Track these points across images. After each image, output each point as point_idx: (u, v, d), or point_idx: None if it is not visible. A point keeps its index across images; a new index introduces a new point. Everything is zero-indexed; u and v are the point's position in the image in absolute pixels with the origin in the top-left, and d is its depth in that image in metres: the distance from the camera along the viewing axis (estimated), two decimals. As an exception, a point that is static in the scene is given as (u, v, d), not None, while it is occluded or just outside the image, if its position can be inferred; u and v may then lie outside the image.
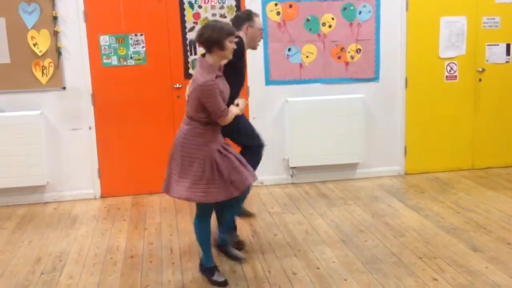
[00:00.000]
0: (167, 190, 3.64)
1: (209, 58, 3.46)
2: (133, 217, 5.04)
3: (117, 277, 3.80)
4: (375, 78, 5.92)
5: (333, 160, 5.86)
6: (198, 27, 5.52)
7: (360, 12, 5.77)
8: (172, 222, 4.88)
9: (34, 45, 5.31)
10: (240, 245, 4.18)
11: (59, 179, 5.54)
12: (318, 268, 3.81)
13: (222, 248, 4.06)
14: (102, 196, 5.65)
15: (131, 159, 5.63)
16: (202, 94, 3.37)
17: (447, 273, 3.68)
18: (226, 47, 3.43)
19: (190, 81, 3.54)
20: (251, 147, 4.09)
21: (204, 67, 3.43)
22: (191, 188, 3.47)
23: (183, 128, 3.54)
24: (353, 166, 5.97)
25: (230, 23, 3.88)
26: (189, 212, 5.12)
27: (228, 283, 3.65)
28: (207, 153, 3.46)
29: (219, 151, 3.51)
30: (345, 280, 3.63)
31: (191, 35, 5.56)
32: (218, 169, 3.47)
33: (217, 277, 3.67)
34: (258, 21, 4.03)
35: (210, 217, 3.71)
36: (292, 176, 5.90)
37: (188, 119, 3.53)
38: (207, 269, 3.71)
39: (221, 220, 4.05)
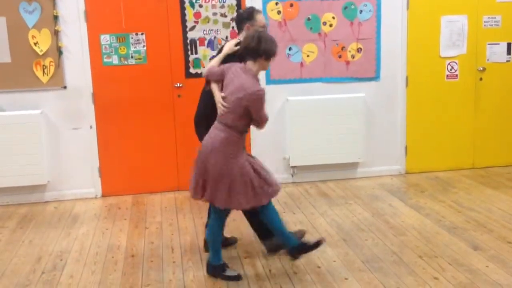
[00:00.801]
0: (200, 195, 3.62)
1: (252, 66, 3.52)
2: (134, 216, 5.04)
3: (118, 276, 3.80)
4: (375, 77, 5.92)
5: (333, 159, 5.86)
6: (199, 26, 5.53)
7: (361, 11, 5.77)
8: (173, 221, 4.89)
9: (35, 44, 5.32)
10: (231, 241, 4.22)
11: (60, 178, 5.55)
12: (319, 267, 3.81)
13: (294, 253, 3.88)
14: (103, 195, 5.65)
15: (131, 158, 5.63)
16: (254, 102, 3.42)
17: (448, 272, 3.68)
18: (270, 61, 3.55)
19: (230, 88, 3.50)
20: None
21: (249, 74, 3.50)
22: (228, 195, 3.50)
23: (219, 135, 3.51)
24: (353, 165, 5.97)
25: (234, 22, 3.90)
26: (189, 211, 5.13)
27: (242, 277, 3.67)
28: (241, 161, 3.51)
29: (247, 159, 3.57)
30: (346, 279, 3.63)
31: (192, 34, 5.56)
32: (250, 177, 3.52)
33: (230, 272, 3.69)
34: (260, 18, 3.92)
35: (227, 218, 3.77)
36: (292, 175, 5.90)
37: (224, 126, 3.51)
38: (217, 266, 3.70)
39: (263, 230, 3.96)
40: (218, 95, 3.59)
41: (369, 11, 5.78)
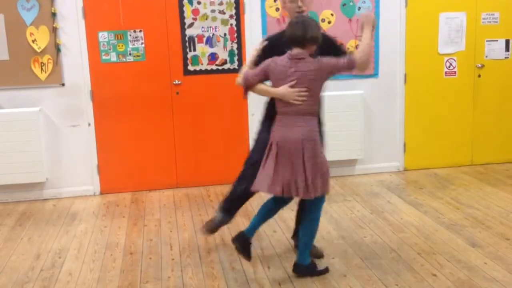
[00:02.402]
0: (296, 193, 3.46)
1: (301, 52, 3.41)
2: (133, 214, 5.04)
3: (117, 273, 3.80)
4: (374, 74, 5.92)
5: (332, 156, 5.80)
6: (197, 23, 5.52)
7: (359, 8, 5.77)
8: (172, 218, 4.89)
9: (33, 41, 5.31)
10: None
11: (59, 176, 5.55)
12: (317, 264, 3.82)
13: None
14: (102, 193, 5.65)
15: (130, 156, 5.63)
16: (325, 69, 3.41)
17: (446, 269, 3.68)
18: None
19: (295, 76, 3.37)
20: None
21: (305, 55, 3.39)
22: (323, 183, 3.48)
23: (304, 129, 3.40)
24: (352, 162, 5.97)
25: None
26: (188, 208, 5.13)
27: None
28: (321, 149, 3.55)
29: None
30: (344, 276, 3.64)
31: (190, 31, 5.55)
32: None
33: (319, 268, 3.69)
34: None
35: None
36: (291, 172, 5.90)
37: (304, 116, 3.42)
38: (309, 266, 3.65)
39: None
40: (281, 89, 3.42)
41: (367, 8, 5.77)
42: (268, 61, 3.50)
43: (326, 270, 3.68)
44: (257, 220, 3.70)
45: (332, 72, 3.43)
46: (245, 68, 3.63)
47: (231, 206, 4.09)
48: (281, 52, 3.46)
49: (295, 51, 3.39)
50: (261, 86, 3.54)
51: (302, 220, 3.72)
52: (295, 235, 4.08)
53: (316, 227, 3.64)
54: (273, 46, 3.59)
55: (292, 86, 3.39)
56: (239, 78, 3.57)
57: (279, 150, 3.43)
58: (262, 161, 3.55)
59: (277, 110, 3.52)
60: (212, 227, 4.14)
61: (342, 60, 3.41)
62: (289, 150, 3.40)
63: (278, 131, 3.47)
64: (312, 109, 3.46)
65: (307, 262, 3.64)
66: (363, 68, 3.49)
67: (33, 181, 5.43)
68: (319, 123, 3.63)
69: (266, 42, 3.69)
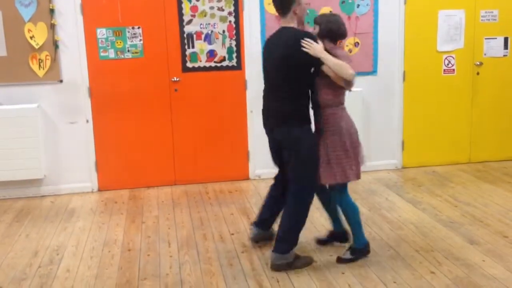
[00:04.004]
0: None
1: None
2: (131, 211, 5.04)
3: (115, 270, 3.80)
4: (373, 72, 5.92)
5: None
6: (196, 20, 5.51)
7: (358, 6, 5.76)
8: (170, 215, 4.88)
9: (31, 38, 5.29)
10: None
11: (56, 173, 5.54)
12: (315, 261, 3.82)
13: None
14: (100, 190, 5.64)
15: (128, 153, 5.63)
16: None
17: (444, 266, 3.69)
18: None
19: (348, 65, 3.53)
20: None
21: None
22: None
23: (349, 115, 3.69)
24: (350, 160, 5.96)
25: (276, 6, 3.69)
26: (186, 205, 5.12)
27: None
28: None
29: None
30: (343, 273, 3.64)
31: (189, 28, 5.54)
32: None
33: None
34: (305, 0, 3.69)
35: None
36: (289, 170, 5.89)
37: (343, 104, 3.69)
38: (360, 250, 3.81)
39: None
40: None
41: (366, 5, 5.77)
42: (341, 50, 3.75)
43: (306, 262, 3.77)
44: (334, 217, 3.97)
45: None
46: (340, 61, 3.50)
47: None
48: None
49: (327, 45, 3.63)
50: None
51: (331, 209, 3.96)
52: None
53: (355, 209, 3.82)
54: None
55: None
56: (351, 69, 3.50)
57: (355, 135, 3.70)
58: (347, 152, 3.63)
59: (341, 101, 3.67)
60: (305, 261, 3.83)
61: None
62: (355, 134, 3.70)
63: (349, 120, 3.68)
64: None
65: (361, 245, 3.82)
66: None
67: (31, 177, 5.42)
68: None
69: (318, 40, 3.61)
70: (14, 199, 5.43)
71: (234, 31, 5.62)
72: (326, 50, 3.53)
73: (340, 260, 3.78)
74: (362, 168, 3.82)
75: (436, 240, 4.13)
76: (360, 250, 3.80)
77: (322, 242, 4.09)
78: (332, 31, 3.63)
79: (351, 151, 3.62)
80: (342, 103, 3.68)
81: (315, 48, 3.47)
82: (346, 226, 3.91)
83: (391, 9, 5.83)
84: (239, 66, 5.67)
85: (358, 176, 3.69)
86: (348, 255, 3.79)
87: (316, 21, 3.68)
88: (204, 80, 5.65)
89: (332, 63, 3.46)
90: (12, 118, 5.26)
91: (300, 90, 3.61)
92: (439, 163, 6.17)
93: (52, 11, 5.28)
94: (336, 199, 3.79)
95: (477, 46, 6.05)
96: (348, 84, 3.57)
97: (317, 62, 3.49)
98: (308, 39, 3.48)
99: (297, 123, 3.60)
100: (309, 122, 3.63)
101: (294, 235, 3.73)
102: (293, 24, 3.64)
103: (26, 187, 5.49)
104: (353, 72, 3.50)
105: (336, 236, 4.07)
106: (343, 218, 3.89)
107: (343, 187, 3.72)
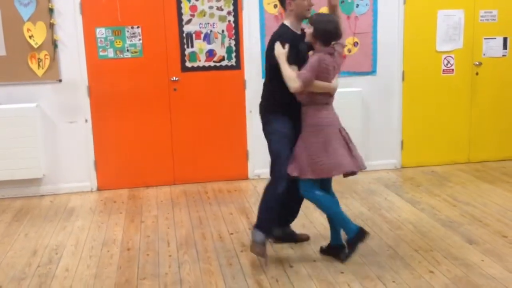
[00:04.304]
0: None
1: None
2: (130, 210, 5.03)
3: (114, 269, 3.80)
4: (372, 72, 5.92)
5: (329, 154, 5.84)
6: (195, 20, 5.51)
7: (357, 5, 5.76)
8: (169, 215, 4.88)
9: (30, 37, 5.29)
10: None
11: (56, 172, 5.53)
12: (314, 261, 3.82)
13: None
14: (99, 189, 5.64)
15: (127, 152, 5.62)
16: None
17: (443, 266, 3.69)
18: None
19: (336, 71, 3.73)
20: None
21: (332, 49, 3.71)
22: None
23: (333, 113, 3.77)
24: (349, 160, 5.96)
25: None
26: (185, 205, 5.12)
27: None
28: None
29: None
30: (342, 272, 3.64)
31: (188, 28, 5.54)
32: None
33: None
34: None
35: None
36: (288, 169, 5.89)
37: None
38: (355, 238, 3.75)
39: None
40: (334, 83, 3.71)
41: (365, 5, 5.77)
42: (316, 59, 3.58)
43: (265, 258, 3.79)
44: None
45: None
46: (289, 71, 3.55)
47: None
48: (296, 49, 3.61)
49: (338, 47, 3.69)
50: (318, 83, 3.60)
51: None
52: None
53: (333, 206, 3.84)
54: (292, 45, 3.61)
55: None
56: (295, 82, 3.51)
57: (342, 132, 3.77)
58: (328, 147, 3.66)
59: (316, 101, 3.66)
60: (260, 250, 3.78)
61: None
62: (342, 128, 3.80)
63: (335, 118, 3.77)
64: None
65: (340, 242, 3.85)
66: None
67: (30, 177, 5.42)
68: None
69: (288, 44, 3.61)
70: (13, 199, 5.42)
71: (233, 31, 5.62)
72: (312, 50, 3.68)
73: (343, 260, 3.77)
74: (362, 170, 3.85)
75: (435, 239, 4.14)
76: (355, 239, 3.73)
77: (323, 251, 3.98)
78: (328, 32, 3.61)
79: (323, 148, 3.62)
80: (321, 103, 3.67)
81: (276, 52, 3.59)
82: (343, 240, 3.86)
83: (390, 9, 5.83)
84: (238, 65, 5.67)
85: (327, 174, 3.68)
86: (346, 251, 3.78)
87: (310, 21, 3.65)
88: (203, 79, 5.65)
89: (282, 70, 3.57)
90: (11, 117, 5.26)
91: (274, 85, 3.74)
92: (438, 163, 6.17)
93: (51, 10, 5.28)
94: (304, 194, 3.76)
95: (476, 46, 6.06)
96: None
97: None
98: (277, 43, 3.59)
99: (263, 114, 3.86)
100: (275, 113, 3.76)
101: (265, 224, 3.76)
102: (288, 20, 3.71)
103: (25, 187, 5.49)
104: (297, 86, 3.50)
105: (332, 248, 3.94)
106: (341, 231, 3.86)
107: (310, 181, 3.69)
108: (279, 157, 3.71)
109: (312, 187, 3.71)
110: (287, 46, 3.58)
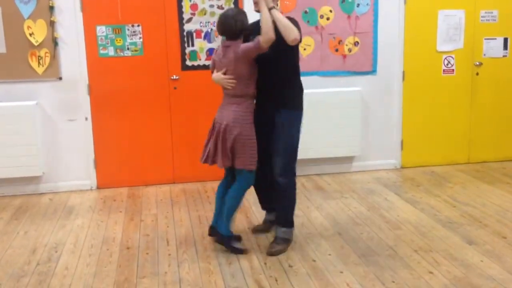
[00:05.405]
0: (212, 162, 4.01)
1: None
2: (129, 209, 5.03)
3: (113, 268, 3.80)
4: (372, 71, 5.92)
5: (329, 153, 5.85)
6: (196, 18, 5.51)
7: (358, 5, 5.76)
8: (169, 213, 4.88)
9: (30, 35, 5.28)
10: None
11: (55, 170, 5.53)
12: (314, 261, 3.82)
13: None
14: (98, 187, 5.64)
15: (127, 150, 5.62)
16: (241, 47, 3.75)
17: (443, 266, 3.69)
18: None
19: (219, 65, 3.89)
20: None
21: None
22: (250, 160, 3.85)
23: (236, 113, 3.82)
24: (349, 159, 5.97)
25: None
26: (185, 203, 5.12)
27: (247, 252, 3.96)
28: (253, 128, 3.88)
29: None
30: (341, 272, 3.64)
31: (188, 26, 5.54)
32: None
33: (237, 245, 4.00)
34: None
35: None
36: (288, 169, 5.89)
37: (237, 98, 3.84)
38: (228, 237, 3.96)
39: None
40: (214, 77, 3.95)
41: (366, 4, 5.76)
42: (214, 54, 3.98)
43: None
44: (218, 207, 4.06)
45: (247, 55, 3.73)
46: (287, 20, 3.87)
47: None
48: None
49: (226, 41, 3.83)
50: (214, 75, 3.97)
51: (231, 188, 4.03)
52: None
53: (237, 195, 3.95)
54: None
55: (224, 73, 3.84)
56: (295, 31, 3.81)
57: (215, 126, 3.93)
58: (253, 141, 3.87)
59: (251, 94, 3.91)
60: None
61: (252, 43, 3.72)
62: (220, 128, 3.86)
63: (218, 111, 3.96)
64: (243, 92, 3.84)
65: (227, 233, 3.95)
66: (267, 43, 3.68)
67: (30, 175, 5.41)
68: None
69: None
70: (13, 196, 5.42)
71: (234, 30, 5.61)
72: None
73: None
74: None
75: (434, 240, 4.14)
76: (226, 239, 3.95)
77: (258, 230, 4.34)
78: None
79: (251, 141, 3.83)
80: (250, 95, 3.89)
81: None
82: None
83: (391, 9, 5.83)
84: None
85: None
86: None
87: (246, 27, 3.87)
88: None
89: (280, 20, 3.86)
90: (11, 115, 5.25)
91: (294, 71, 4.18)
92: (438, 163, 6.17)
93: (51, 8, 5.28)
94: (239, 184, 3.95)
95: (476, 46, 6.06)
96: None
97: None
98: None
99: (291, 109, 4.03)
100: (300, 108, 4.06)
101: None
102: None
103: (24, 185, 5.49)
104: (297, 33, 3.78)
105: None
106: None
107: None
108: (296, 156, 4.06)
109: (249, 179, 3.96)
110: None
